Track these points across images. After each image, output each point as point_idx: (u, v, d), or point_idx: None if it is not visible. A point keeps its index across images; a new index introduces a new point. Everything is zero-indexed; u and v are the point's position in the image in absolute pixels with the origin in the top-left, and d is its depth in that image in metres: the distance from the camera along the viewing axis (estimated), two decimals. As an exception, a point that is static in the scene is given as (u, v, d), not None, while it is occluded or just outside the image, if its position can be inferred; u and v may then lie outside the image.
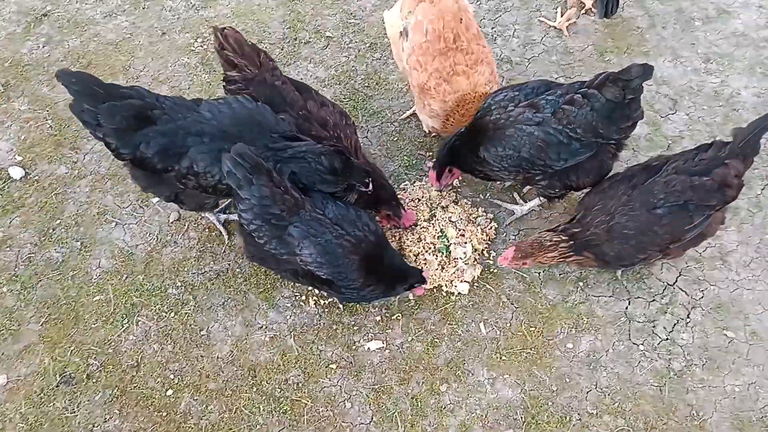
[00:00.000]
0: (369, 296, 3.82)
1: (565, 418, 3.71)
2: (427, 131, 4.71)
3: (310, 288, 4.08)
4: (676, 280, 4.13)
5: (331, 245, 3.53)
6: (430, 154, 4.67)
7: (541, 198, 4.19)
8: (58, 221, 4.38)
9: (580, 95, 3.55)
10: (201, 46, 5.22)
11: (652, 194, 3.58)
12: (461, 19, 4.04)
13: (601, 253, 3.70)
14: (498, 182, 4.44)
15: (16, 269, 4.20)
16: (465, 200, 4.42)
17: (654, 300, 4.07)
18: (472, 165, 4.01)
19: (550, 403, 3.75)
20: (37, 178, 4.58)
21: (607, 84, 3.47)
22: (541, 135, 3.63)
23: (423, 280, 3.87)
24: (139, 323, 4.01)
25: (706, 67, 5.04)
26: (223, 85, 4.07)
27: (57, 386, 3.82)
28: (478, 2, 5.44)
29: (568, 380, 3.82)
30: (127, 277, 4.17)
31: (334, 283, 3.66)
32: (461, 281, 4.08)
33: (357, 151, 4.00)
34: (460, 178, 4.44)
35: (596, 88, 3.51)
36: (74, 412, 3.74)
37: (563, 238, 3.72)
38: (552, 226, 3.91)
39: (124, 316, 4.04)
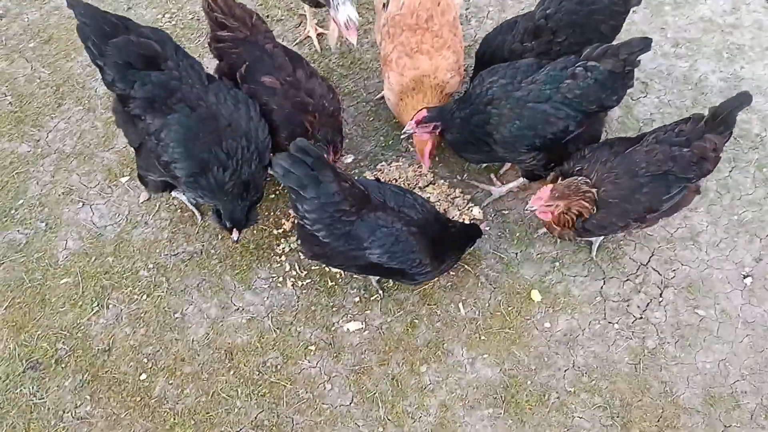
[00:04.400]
0: (440, 272, 3.76)
1: (544, 396, 3.74)
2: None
3: (288, 269, 4.01)
4: (649, 260, 4.19)
5: (403, 234, 3.37)
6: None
7: (524, 179, 4.19)
8: (21, 201, 4.20)
9: (581, 68, 3.58)
10: (169, 21, 5.05)
11: (635, 162, 3.60)
12: (439, 3, 4.01)
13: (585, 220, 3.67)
14: (477, 164, 4.42)
15: (-24, 251, 4.02)
16: (442, 180, 4.39)
17: (628, 279, 4.13)
18: (481, 148, 3.90)
19: (528, 382, 3.77)
20: (-4, 156, 4.38)
21: (607, 56, 3.53)
22: (552, 110, 3.65)
23: (480, 233, 3.86)
24: (110, 306, 3.89)
25: (675, 51, 5.11)
26: (209, 43, 4.00)
27: (24, 372, 3.68)
28: (452, -17, 5.39)
29: (546, 359, 3.85)
30: (96, 259, 4.02)
31: (405, 272, 3.54)
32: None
33: (339, 123, 3.97)
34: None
35: (595, 60, 3.56)
36: (43, 398, 3.62)
37: (591, 188, 3.61)
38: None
39: (94, 299, 3.90)
